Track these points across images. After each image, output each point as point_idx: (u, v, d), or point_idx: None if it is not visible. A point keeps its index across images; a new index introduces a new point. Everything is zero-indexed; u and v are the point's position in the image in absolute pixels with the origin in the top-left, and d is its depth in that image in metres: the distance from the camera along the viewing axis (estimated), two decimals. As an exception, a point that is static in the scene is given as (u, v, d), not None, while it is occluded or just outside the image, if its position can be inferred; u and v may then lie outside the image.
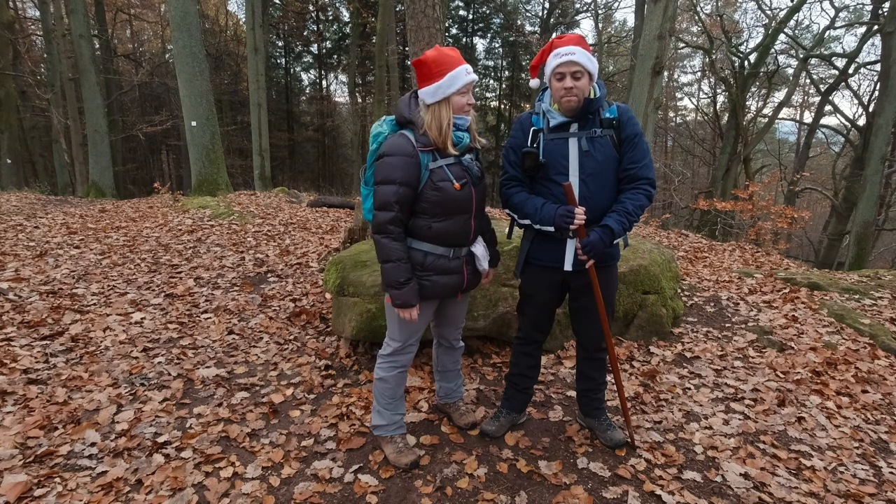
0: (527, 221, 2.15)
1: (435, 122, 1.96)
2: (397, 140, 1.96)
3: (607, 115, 2.06)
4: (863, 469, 2.39)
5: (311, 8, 23.65)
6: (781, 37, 16.00)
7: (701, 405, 2.87)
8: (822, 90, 16.68)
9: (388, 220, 1.94)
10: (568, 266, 2.16)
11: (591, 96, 2.05)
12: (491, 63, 27.15)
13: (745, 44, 18.80)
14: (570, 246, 2.13)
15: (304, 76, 28.26)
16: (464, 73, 1.95)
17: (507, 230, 2.49)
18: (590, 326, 2.29)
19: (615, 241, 2.06)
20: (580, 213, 2.00)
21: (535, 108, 2.19)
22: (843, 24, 16.73)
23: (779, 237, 12.52)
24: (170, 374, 2.95)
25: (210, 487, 2.08)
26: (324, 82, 27.70)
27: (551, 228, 2.06)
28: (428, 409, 2.69)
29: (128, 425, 2.44)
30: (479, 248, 2.19)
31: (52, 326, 3.43)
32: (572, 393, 2.90)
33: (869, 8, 14.44)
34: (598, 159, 2.04)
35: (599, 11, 21.30)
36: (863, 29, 15.02)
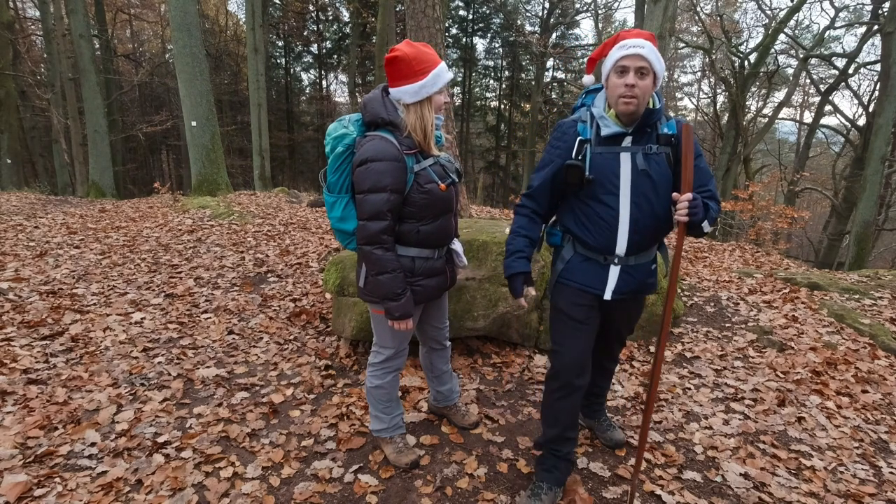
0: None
1: (420, 124, 1.87)
2: (381, 144, 1.82)
3: (665, 130, 1.81)
4: (863, 469, 2.39)
5: (311, 8, 23.65)
6: (781, 37, 16.02)
7: (701, 405, 2.87)
8: (822, 90, 16.69)
9: (382, 230, 1.84)
10: (608, 294, 1.90)
11: (652, 106, 1.80)
12: (491, 63, 27.18)
13: (745, 44, 18.82)
14: (614, 272, 1.88)
15: (304, 76, 28.29)
16: (445, 71, 1.87)
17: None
18: (613, 345, 2.24)
19: (703, 223, 1.76)
20: (518, 304, 1.94)
21: (579, 115, 1.91)
22: (843, 24, 16.74)
23: (779, 237, 12.52)
24: (170, 374, 2.95)
25: (210, 487, 2.08)
26: (324, 82, 27.71)
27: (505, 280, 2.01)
28: (428, 410, 2.69)
29: (128, 425, 2.44)
30: (457, 244, 2.16)
31: (52, 326, 3.43)
32: (572, 393, 2.90)
33: (869, 8, 14.44)
34: (654, 179, 1.78)
35: (599, 11, 21.32)
36: (863, 29, 15.03)
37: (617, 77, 1.73)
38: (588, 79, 1.97)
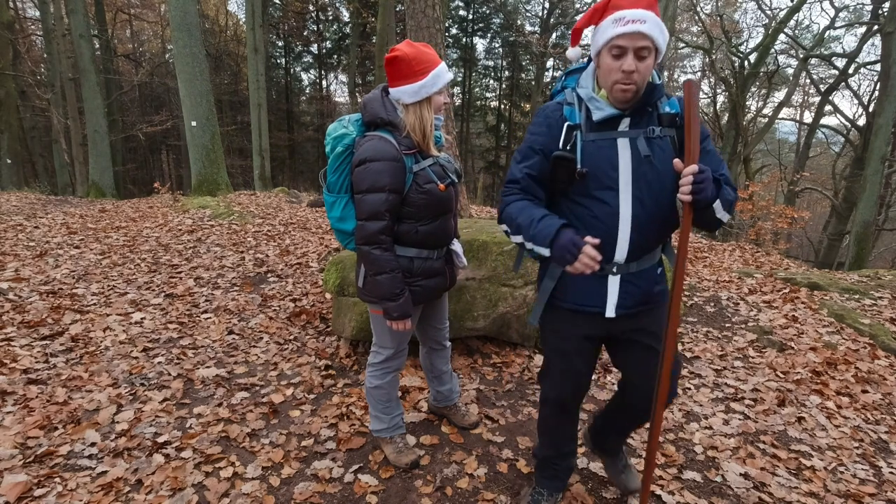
0: (519, 239, 1.56)
1: (419, 124, 1.87)
2: (379, 144, 1.82)
3: (667, 108, 1.50)
4: (863, 469, 2.39)
5: (311, 8, 23.65)
6: (781, 37, 16.03)
7: (701, 405, 2.87)
8: (822, 90, 16.69)
9: (380, 230, 1.83)
10: (611, 311, 1.59)
11: (652, 80, 1.48)
12: (491, 63, 27.20)
13: (745, 44, 18.83)
14: (614, 283, 1.57)
15: (304, 76, 28.30)
16: (445, 72, 1.86)
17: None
18: (648, 389, 1.65)
19: (714, 203, 1.43)
20: (591, 255, 1.39)
21: (564, 97, 1.59)
22: (843, 24, 16.75)
23: (779, 237, 12.53)
24: (170, 374, 2.95)
25: (210, 487, 2.08)
26: (324, 82, 27.72)
27: (545, 251, 1.47)
28: (428, 410, 2.69)
29: (128, 425, 2.44)
30: (457, 245, 2.14)
31: (52, 326, 3.43)
32: (572, 393, 2.90)
33: (869, 8, 14.45)
34: (658, 169, 1.48)
35: (599, 11, 21.28)
36: (863, 29, 15.03)
37: (612, 60, 1.41)
38: (574, 52, 1.62)
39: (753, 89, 19.03)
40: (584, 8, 22.15)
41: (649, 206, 1.50)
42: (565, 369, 1.73)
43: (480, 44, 27.22)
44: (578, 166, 1.49)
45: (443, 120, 1.99)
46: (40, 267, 4.63)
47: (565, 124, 1.51)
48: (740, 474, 2.28)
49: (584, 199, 1.53)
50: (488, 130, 28.39)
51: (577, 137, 1.50)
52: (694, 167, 1.38)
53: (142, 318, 3.67)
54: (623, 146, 1.48)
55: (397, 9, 12.99)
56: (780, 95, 18.46)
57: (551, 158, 1.50)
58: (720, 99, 20.32)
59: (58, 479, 2.07)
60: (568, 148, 1.50)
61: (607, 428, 1.97)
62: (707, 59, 17.75)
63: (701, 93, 24.64)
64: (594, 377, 2.07)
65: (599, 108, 1.48)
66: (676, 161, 1.43)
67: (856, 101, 18.25)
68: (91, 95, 12.30)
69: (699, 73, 24.02)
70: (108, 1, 19.74)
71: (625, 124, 1.49)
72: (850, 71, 15.42)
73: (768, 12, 17.08)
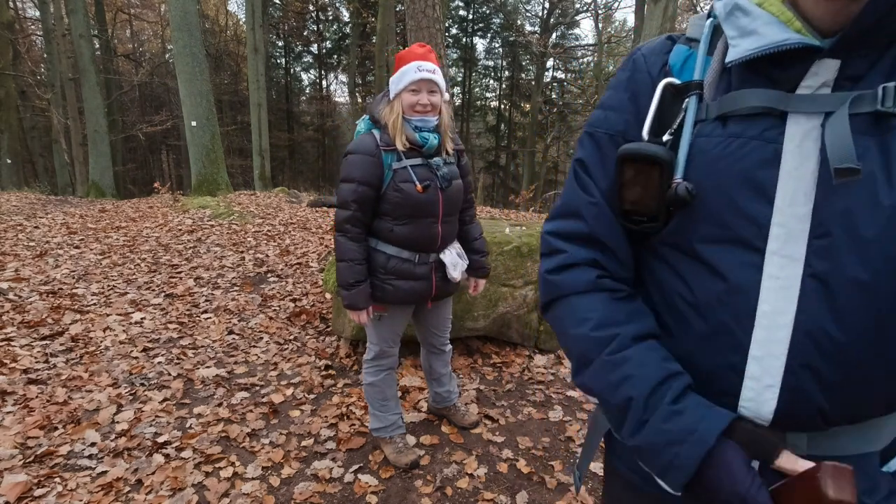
0: (595, 399, 0.77)
1: (390, 117, 1.90)
2: (363, 138, 1.93)
3: None
4: (863, 469, 2.39)
5: (311, 8, 23.67)
6: (781, 37, 16.01)
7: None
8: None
9: (345, 219, 1.90)
10: None
11: None
12: (491, 63, 27.19)
13: (745, 44, 18.80)
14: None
15: (304, 76, 28.33)
16: (413, 70, 1.82)
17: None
18: None
19: None
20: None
21: (689, 30, 0.72)
22: (843, 24, 16.75)
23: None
24: (170, 374, 2.95)
25: (210, 487, 2.08)
26: (324, 82, 27.73)
27: (673, 491, 0.63)
28: (428, 410, 2.69)
29: (128, 425, 2.44)
30: (450, 257, 2.07)
31: (52, 326, 3.43)
32: (572, 393, 2.90)
33: (869, 8, 14.45)
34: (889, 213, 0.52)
35: (599, 11, 21.30)
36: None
37: None
38: None
39: (753, 89, 19.03)
40: (584, 8, 22.13)
41: (857, 304, 0.56)
42: None
43: (480, 44, 27.28)
44: (678, 177, 0.65)
45: (432, 122, 1.93)
46: (40, 267, 4.63)
47: (662, 82, 0.69)
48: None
49: (676, 256, 0.69)
50: (488, 130, 28.40)
51: (689, 112, 0.66)
52: None
53: (142, 318, 3.68)
54: (798, 139, 0.58)
55: (397, 9, 13.00)
56: (780, 95, 18.45)
57: (617, 158, 0.69)
58: (720, 99, 20.28)
59: (58, 479, 2.07)
60: (666, 139, 0.68)
61: None
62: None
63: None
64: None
65: (749, 31, 0.60)
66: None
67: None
68: (91, 95, 12.31)
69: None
70: (108, 1, 19.76)
71: (821, 75, 0.57)
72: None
73: (768, 12, 17.10)
